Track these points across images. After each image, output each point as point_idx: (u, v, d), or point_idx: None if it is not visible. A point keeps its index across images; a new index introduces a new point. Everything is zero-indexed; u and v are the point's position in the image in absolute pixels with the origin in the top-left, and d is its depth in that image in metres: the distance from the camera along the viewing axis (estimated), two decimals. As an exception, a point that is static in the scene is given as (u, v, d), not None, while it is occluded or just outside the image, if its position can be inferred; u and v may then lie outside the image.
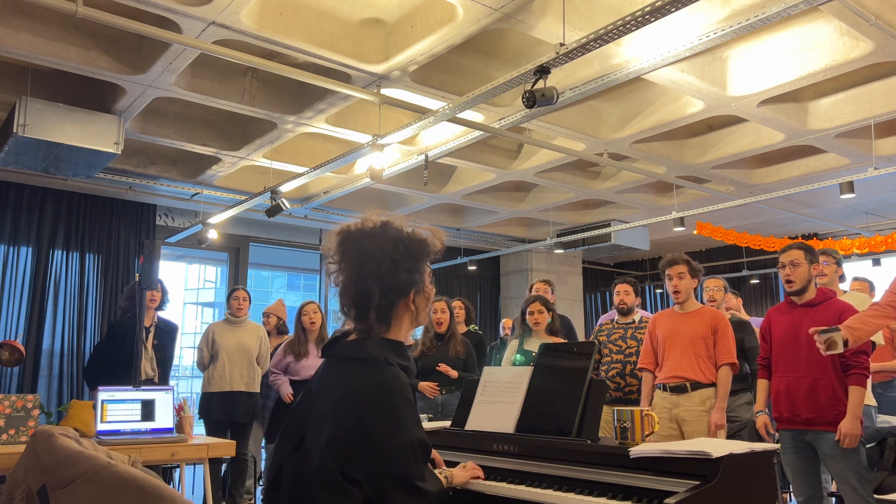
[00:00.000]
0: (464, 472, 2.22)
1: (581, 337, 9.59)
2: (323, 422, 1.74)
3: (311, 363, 5.27)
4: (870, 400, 4.09)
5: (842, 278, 4.55)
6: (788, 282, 3.58)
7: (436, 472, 2.03)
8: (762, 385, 3.70)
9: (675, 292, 4.15)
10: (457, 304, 5.64)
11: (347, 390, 1.75)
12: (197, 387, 5.71)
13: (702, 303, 4.96)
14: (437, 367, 4.90)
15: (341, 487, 1.67)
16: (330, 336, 2.05)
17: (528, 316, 4.81)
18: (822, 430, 3.39)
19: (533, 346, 4.74)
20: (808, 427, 3.45)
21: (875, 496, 3.43)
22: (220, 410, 5.34)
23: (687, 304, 4.16)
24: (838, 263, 4.47)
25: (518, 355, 4.69)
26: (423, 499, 1.72)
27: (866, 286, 5.28)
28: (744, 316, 5.28)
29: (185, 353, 18.18)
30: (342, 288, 1.81)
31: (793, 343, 3.54)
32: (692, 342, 4.01)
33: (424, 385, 4.93)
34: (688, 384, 3.96)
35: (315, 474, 1.70)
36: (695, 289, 4.21)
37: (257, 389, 5.50)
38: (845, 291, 4.56)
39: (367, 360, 1.77)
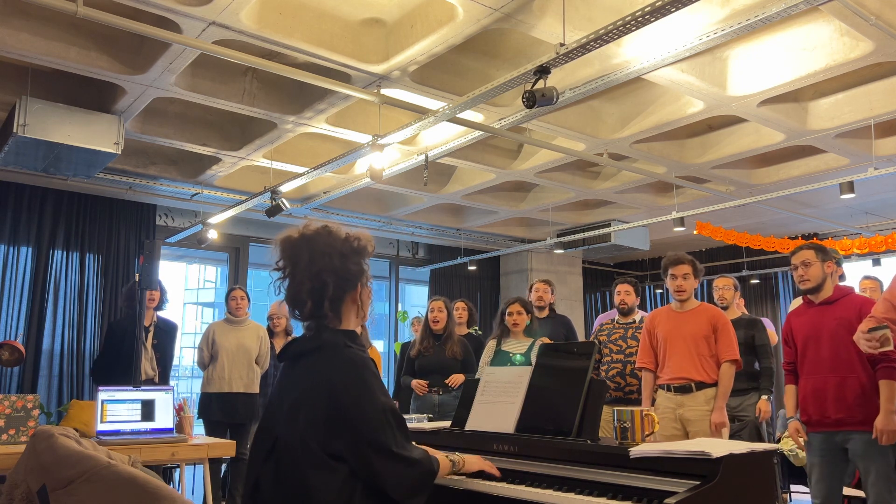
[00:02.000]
0: (480, 461, 2.24)
1: (581, 337, 9.59)
2: (296, 413, 1.84)
3: None
4: None
5: (842, 278, 4.55)
6: (803, 281, 3.54)
7: (446, 454, 2.10)
8: (790, 390, 3.62)
9: (679, 291, 4.12)
10: (460, 305, 5.62)
11: (314, 377, 1.86)
12: (197, 387, 5.72)
13: (712, 302, 4.95)
14: (448, 382, 4.89)
15: (327, 464, 1.77)
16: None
17: (507, 317, 4.80)
18: (853, 430, 3.31)
19: (511, 346, 4.75)
20: (838, 428, 3.36)
21: None
22: (220, 411, 5.34)
23: (686, 303, 4.15)
24: (838, 263, 4.46)
25: (519, 356, 4.69)
26: (404, 463, 1.83)
27: (878, 285, 5.23)
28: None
29: (185, 353, 18.20)
30: (296, 286, 1.93)
31: (815, 343, 3.47)
32: (694, 341, 3.99)
33: (415, 383, 4.93)
34: (692, 384, 3.94)
35: (300, 458, 1.78)
36: (694, 288, 4.21)
37: (257, 390, 5.50)
38: None
39: (324, 346, 1.90)
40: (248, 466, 1.95)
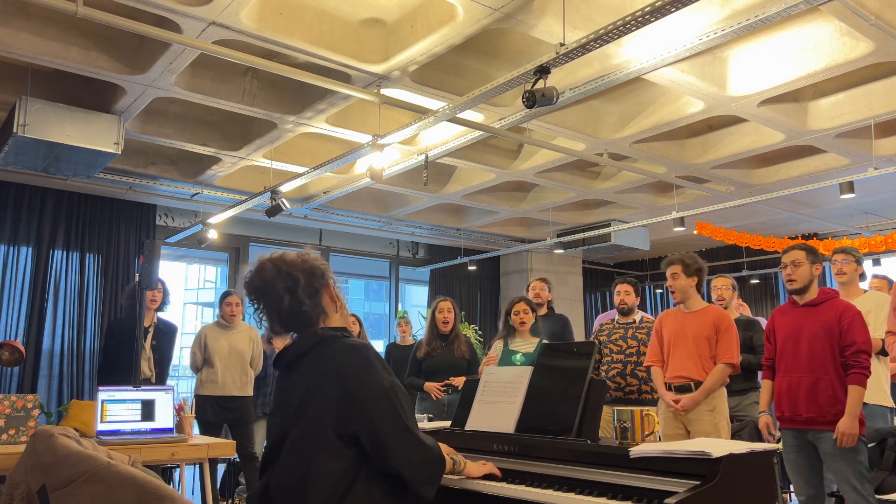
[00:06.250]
0: (481, 466, 2.24)
1: (580, 337, 9.58)
2: (304, 409, 1.86)
3: None
4: (888, 401, 4.07)
5: (862, 277, 4.48)
6: (790, 281, 3.62)
7: (447, 453, 2.11)
8: (766, 386, 3.73)
9: (671, 292, 4.19)
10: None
11: (319, 369, 1.90)
12: (198, 387, 5.72)
13: (710, 302, 4.94)
14: (449, 382, 4.89)
15: (336, 448, 1.80)
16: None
17: (513, 316, 4.80)
18: (823, 429, 3.42)
19: (518, 346, 4.74)
20: (808, 426, 3.48)
21: (875, 496, 3.45)
22: (213, 413, 5.34)
23: (691, 304, 4.14)
24: (858, 262, 4.41)
25: (520, 355, 4.68)
26: (419, 445, 1.86)
27: (885, 283, 5.21)
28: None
29: (184, 354, 18.19)
30: (278, 313, 1.98)
31: (794, 343, 3.56)
32: (696, 342, 4.00)
33: (431, 386, 4.93)
34: (692, 384, 3.95)
35: (312, 443, 1.82)
36: (699, 288, 4.19)
37: (250, 393, 5.51)
38: (865, 290, 4.49)
39: (323, 340, 1.94)
40: (259, 473, 1.99)
